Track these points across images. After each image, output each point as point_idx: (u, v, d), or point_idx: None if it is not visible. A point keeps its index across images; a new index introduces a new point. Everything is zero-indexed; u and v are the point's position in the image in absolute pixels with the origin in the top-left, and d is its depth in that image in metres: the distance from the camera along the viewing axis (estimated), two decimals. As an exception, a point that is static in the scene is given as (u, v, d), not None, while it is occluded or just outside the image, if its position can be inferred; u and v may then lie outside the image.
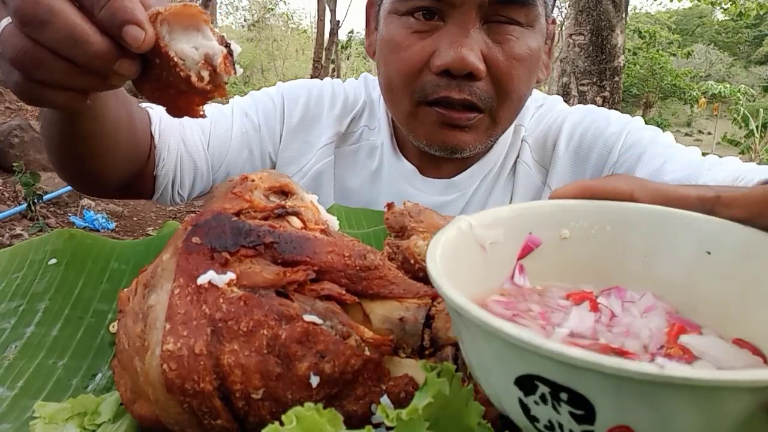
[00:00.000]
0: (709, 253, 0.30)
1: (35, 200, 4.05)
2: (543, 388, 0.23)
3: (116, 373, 0.34)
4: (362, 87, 0.87)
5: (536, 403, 0.24)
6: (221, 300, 0.30)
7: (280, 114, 0.83)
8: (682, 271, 0.31)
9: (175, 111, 0.40)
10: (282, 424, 0.26)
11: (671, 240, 0.31)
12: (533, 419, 0.24)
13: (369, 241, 0.58)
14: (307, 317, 0.30)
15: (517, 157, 0.81)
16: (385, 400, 0.29)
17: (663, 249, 0.31)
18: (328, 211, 0.46)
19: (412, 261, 0.37)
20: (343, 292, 0.32)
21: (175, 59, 0.35)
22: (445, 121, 0.67)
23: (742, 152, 12.05)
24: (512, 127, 0.81)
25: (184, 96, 0.38)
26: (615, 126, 0.77)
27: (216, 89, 0.37)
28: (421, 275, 0.37)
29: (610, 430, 0.22)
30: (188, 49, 0.36)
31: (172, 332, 0.29)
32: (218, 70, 0.36)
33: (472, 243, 0.30)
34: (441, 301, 0.34)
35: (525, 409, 0.24)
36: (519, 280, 0.32)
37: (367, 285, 0.33)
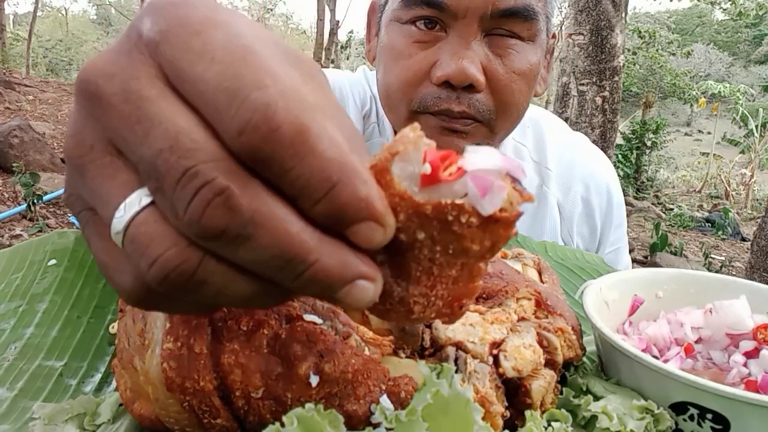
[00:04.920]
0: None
1: (35, 201, 4.05)
2: (693, 410, 0.32)
3: (116, 372, 0.34)
4: (364, 82, 0.88)
5: (684, 420, 0.33)
6: (221, 300, 0.30)
7: None
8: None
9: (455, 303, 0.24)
10: (282, 425, 0.26)
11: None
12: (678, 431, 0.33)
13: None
14: (308, 317, 0.30)
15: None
16: (384, 400, 0.29)
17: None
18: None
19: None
20: (343, 292, 0.32)
21: (456, 202, 0.22)
22: (443, 126, 0.67)
23: (742, 152, 12.04)
24: (512, 144, 0.85)
25: (465, 267, 0.23)
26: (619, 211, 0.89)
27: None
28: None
29: None
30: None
31: (172, 331, 0.29)
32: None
33: (602, 300, 0.45)
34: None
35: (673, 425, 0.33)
36: (628, 330, 0.46)
37: (367, 285, 0.33)
